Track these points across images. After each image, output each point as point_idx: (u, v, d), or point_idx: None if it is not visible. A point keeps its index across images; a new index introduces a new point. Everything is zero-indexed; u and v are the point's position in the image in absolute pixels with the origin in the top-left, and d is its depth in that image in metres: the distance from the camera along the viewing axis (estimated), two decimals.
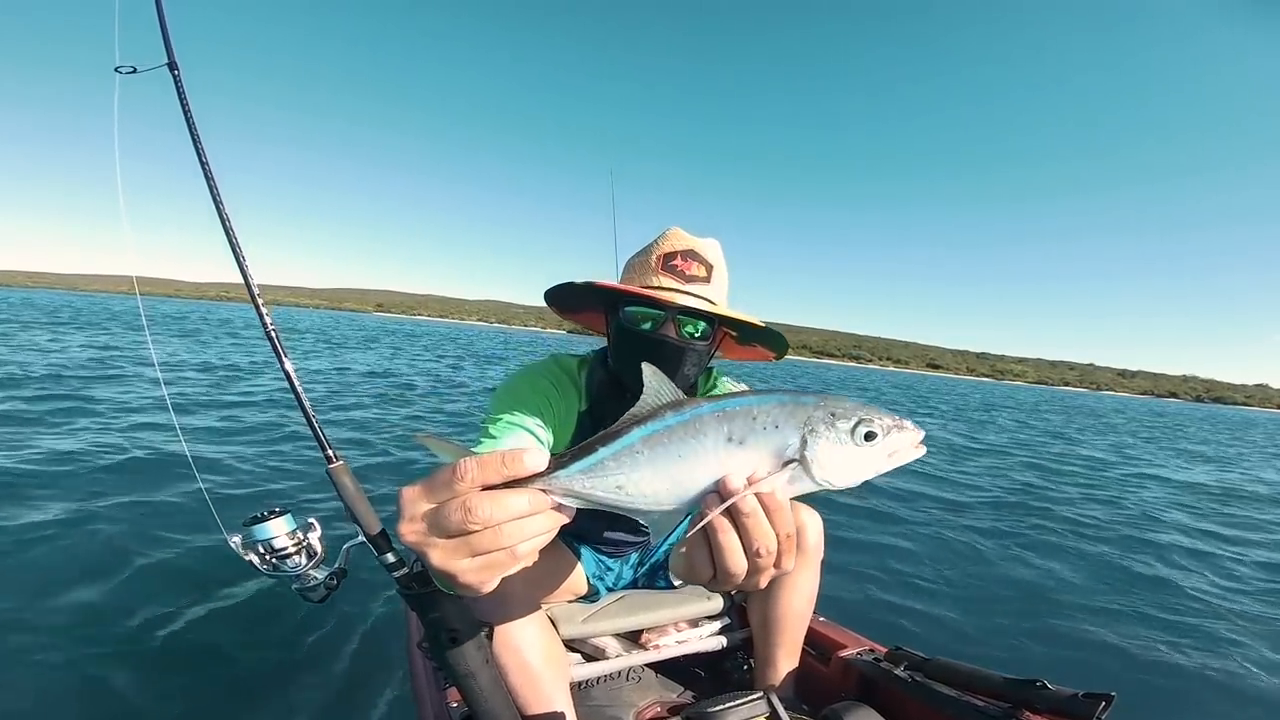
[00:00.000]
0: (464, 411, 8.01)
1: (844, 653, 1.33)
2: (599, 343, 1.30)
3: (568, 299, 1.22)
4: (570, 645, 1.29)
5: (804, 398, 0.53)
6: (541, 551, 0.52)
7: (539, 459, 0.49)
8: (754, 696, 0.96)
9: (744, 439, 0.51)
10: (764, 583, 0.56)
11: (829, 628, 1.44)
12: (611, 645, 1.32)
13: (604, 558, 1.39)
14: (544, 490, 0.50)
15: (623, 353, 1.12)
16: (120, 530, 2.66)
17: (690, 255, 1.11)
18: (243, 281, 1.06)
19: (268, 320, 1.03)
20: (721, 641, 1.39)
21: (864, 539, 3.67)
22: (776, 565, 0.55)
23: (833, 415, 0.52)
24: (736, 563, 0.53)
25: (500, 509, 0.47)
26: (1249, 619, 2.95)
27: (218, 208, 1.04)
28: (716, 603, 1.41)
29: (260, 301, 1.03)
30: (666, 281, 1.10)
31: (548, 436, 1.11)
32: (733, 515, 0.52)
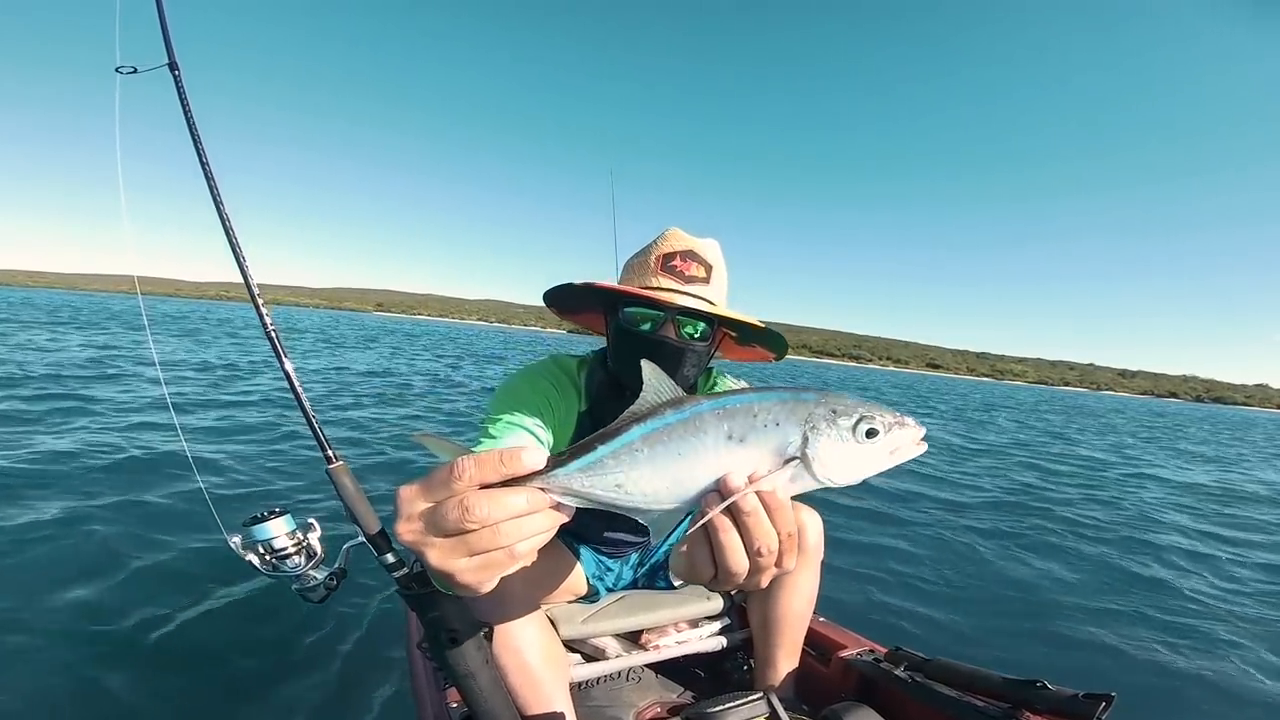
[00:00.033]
0: (463, 411, 8.01)
1: (844, 653, 1.33)
2: (599, 343, 1.30)
3: (567, 300, 1.22)
4: (570, 646, 1.29)
5: (805, 395, 0.52)
6: (541, 552, 0.52)
7: (537, 457, 0.49)
8: (754, 697, 0.96)
9: (744, 437, 0.51)
10: (765, 582, 0.56)
11: (829, 628, 1.43)
12: (611, 646, 1.31)
13: (604, 558, 1.39)
14: (542, 489, 0.50)
15: (622, 353, 1.12)
16: (119, 530, 2.65)
17: (689, 256, 1.11)
18: (243, 281, 1.06)
19: (268, 320, 1.03)
20: (721, 642, 1.39)
21: (864, 540, 3.67)
22: (778, 564, 0.54)
23: (834, 412, 0.52)
24: (738, 562, 0.53)
25: (498, 508, 0.46)
26: (1249, 621, 2.95)
27: (218, 207, 1.04)
28: (716, 603, 1.41)
29: (260, 301, 1.03)
30: (666, 282, 1.10)
31: (548, 437, 1.11)
32: (733, 514, 0.51)
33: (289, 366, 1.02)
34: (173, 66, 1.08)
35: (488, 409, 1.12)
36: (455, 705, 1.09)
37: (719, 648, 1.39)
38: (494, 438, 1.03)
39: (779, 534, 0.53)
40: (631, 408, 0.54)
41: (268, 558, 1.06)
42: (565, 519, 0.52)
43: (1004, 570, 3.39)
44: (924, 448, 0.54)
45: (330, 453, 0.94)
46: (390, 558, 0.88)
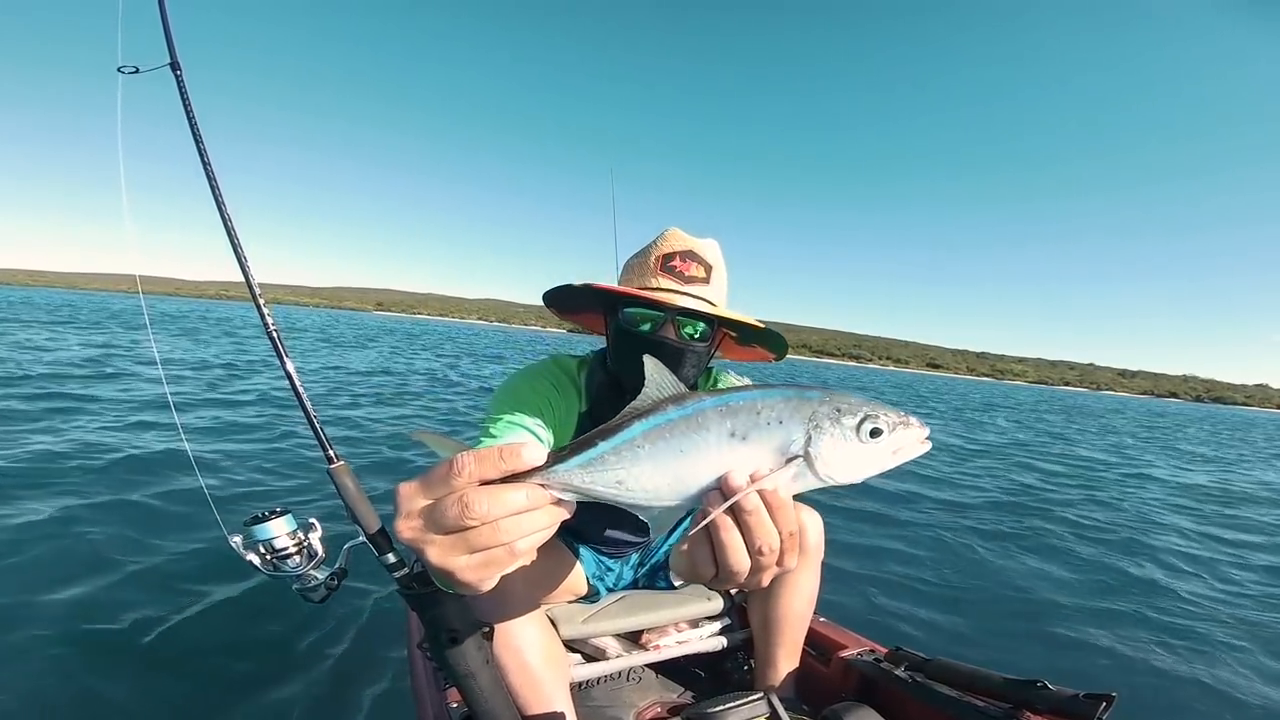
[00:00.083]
0: (463, 410, 8.01)
1: (844, 653, 1.33)
2: (599, 343, 1.30)
3: (567, 301, 1.22)
4: (570, 646, 1.29)
5: (808, 392, 0.52)
6: (541, 552, 0.51)
7: (537, 453, 0.48)
8: (754, 697, 0.96)
9: (747, 434, 0.50)
10: (766, 581, 0.56)
11: (829, 628, 1.43)
12: (612, 646, 1.31)
13: (604, 558, 1.39)
14: (542, 485, 0.49)
15: (622, 354, 1.12)
16: (119, 529, 2.65)
17: (689, 256, 1.11)
18: (245, 281, 1.05)
19: (269, 320, 1.03)
20: (722, 642, 1.39)
21: (864, 541, 3.67)
22: (779, 563, 0.54)
23: (838, 411, 0.51)
24: (739, 561, 0.53)
25: (498, 504, 0.46)
26: (1248, 623, 2.95)
27: (219, 207, 1.04)
28: (717, 603, 1.41)
29: (262, 301, 1.03)
30: (665, 283, 1.10)
31: (548, 437, 1.11)
32: (735, 513, 0.51)
33: (290, 367, 1.01)
34: (175, 66, 1.08)
35: (488, 409, 1.12)
36: (455, 705, 1.09)
37: (719, 648, 1.39)
38: (494, 437, 1.03)
39: (781, 533, 0.52)
40: (633, 403, 0.54)
41: (268, 558, 1.06)
42: (566, 515, 0.51)
43: (1004, 571, 3.39)
44: (928, 447, 0.54)
45: (331, 453, 0.94)
46: (391, 557, 0.88)
